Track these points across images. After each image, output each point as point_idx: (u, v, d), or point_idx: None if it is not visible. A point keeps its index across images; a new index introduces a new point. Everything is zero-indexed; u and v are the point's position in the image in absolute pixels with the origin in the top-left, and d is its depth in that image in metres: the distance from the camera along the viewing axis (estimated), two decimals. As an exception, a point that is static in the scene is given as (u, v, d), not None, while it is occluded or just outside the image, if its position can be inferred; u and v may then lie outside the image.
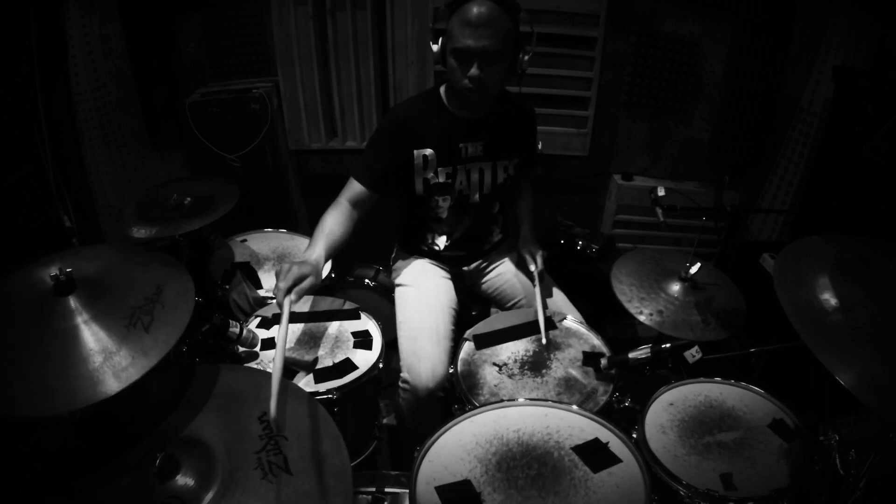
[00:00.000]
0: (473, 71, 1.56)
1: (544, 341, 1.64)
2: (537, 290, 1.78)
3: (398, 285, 1.94)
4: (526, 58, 1.65)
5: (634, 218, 2.88)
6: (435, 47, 1.64)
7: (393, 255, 2.07)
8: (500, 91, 1.71)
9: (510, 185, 1.90)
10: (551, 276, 1.99)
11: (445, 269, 1.98)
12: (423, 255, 1.97)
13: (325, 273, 2.02)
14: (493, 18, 1.53)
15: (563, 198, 2.94)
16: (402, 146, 1.72)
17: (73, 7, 2.44)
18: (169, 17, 2.64)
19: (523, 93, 1.89)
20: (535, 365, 1.59)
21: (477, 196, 1.84)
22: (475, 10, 1.52)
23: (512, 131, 1.83)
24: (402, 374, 1.69)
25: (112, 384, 0.97)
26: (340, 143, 2.82)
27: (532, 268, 1.86)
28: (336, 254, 1.64)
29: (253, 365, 1.55)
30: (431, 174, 1.76)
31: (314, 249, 1.55)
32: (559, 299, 1.89)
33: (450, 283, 1.94)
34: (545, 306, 1.76)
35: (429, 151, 1.73)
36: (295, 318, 1.74)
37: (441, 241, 1.93)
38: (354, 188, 1.74)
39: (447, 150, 1.75)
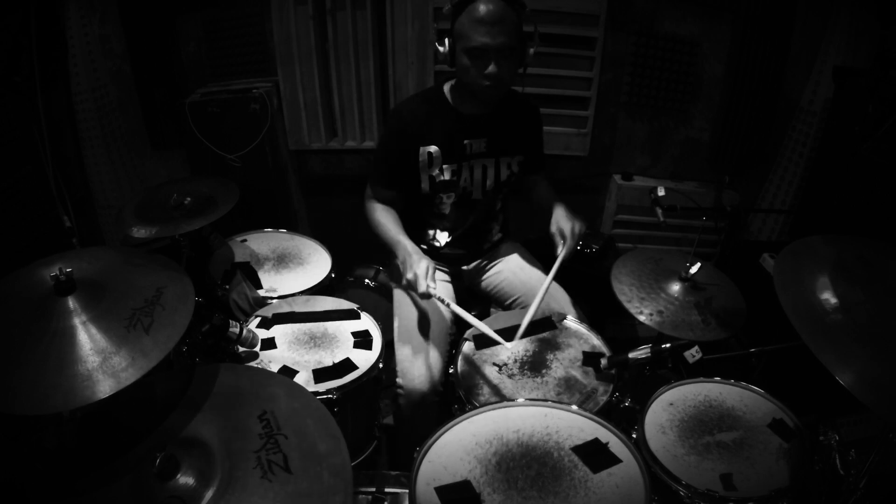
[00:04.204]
0: (492, 68, 1.58)
1: (510, 345, 1.53)
2: (550, 275, 1.65)
3: (396, 287, 1.94)
4: (531, 52, 1.67)
5: (634, 218, 2.89)
6: (442, 49, 1.65)
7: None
8: (509, 85, 1.72)
9: (513, 184, 1.90)
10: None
11: (445, 270, 1.98)
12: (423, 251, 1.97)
13: (325, 273, 2.04)
14: (504, 15, 1.55)
15: (564, 198, 2.92)
16: (408, 144, 1.74)
17: (73, 7, 2.44)
18: (169, 17, 2.64)
19: (525, 92, 1.90)
20: (535, 365, 1.59)
21: (480, 193, 1.84)
22: (487, 9, 1.54)
23: (516, 128, 1.83)
24: (397, 379, 1.69)
25: (111, 384, 0.97)
26: (340, 143, 2.83)
27: (559, 247, 1.68)
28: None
29: (253, 365, 1.56)
30: (437, 171, 1.77)
31: (406, 241, 1.68)
32: (561, 299, 1.89)
33: (448, 287, 1.94)
34: (546, 311, 1.74)
35: (434, 148, 1.75)
36: (295, 318, 1.75)
37: (442, 238, 1.93)
38: (377, 191, 1.83)
39: (452, 146, 1.76)
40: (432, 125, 1.74)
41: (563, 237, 1.69)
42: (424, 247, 1.96)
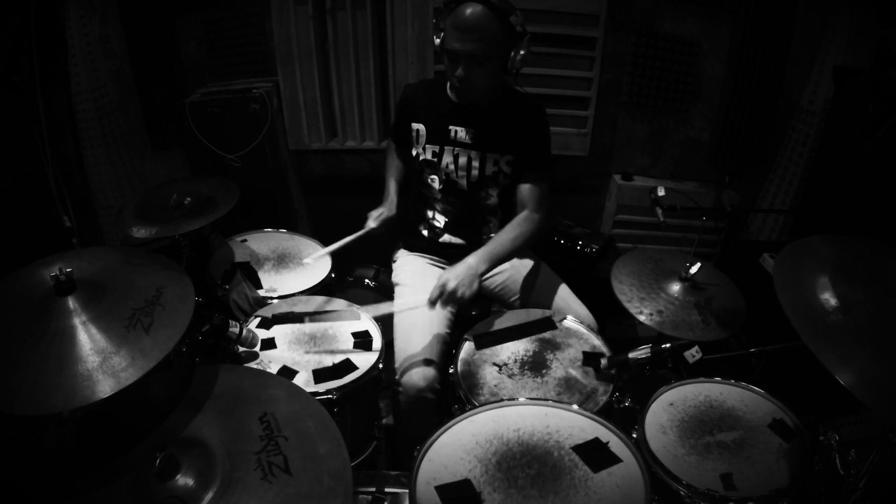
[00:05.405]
0: (459, 72, 1.64)
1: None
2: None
3: (397, 284, 1.96)
4: (519, 56, 1.65)
5: (634, 218, 2.88)
6: (437, 42, 1.69)
7: (396, 253, 2.09)
8: (490, 89, 1.73)
9: (505, 183, 1.89)
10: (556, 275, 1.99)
11: (444, 266, 1.99)
12: (423, 247, 2.01)
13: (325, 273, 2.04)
14: (480, 23, 1.57)
15: (564, 198, 2.94)
16: (405, 117, 1.87)
17: (73, 7, 2.43)
18: (169, 17, 2.64)
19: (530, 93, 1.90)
20: (535, 365, 1.59)
21: (465, 183, 1.86)
22: (464, 14, 1.57)
23: (508, 127, 1.82)
24: (395, 377, 1.70)
25: (111, 384, 0.97)
26: (340, 143, 2.82)
27: (434, 294, 1.55)
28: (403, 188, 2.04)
29: (253, 365, 1.56)
30: (420, 149, 1.86)
31: (390, 193, 2.00)
32: (570, 301, 1.89)
33: None
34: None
35: (420, 126, 1.84)
36: (295, 317, 1.75)
37: (441, 219, 1.96)
38: (390, 142, 2.08)
39: (436, 128, 1.83)
40: (426, 105, 1.85)
41: (441, 289, 1.55)
42: (426, 231, 1.99)
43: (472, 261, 1.63)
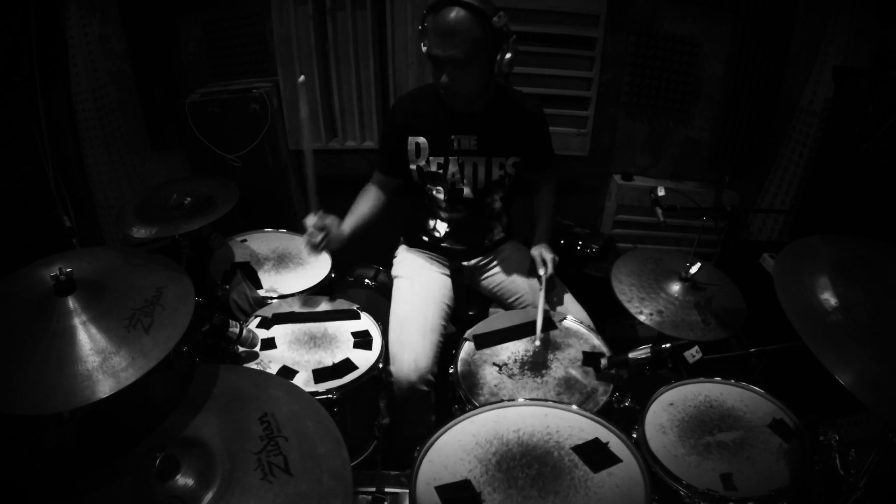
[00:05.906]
0: (444, 78, 1.63)
1: (537, 343, 1.62)
2: (542, 293, 1.75)
3: (395, 277, 1.98)
4: (506, 58, 1.63)
5: (634, 218, 2.88)
6: (423, 48, 1.67)
7: (397, 250, 2.10)
8: (477, 93, 1.73)
9: (510, 186, 1.90)
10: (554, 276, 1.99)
11: (444, 264, 1.99)
12: (424, 246, 2.01)
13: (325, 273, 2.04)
14: (460, 28, 1.54)
15: (563, 198, 2.92)
16: (399, 132, 1.82)
17: (73, 7, 2.44)
18: (169, 17, 2.64)
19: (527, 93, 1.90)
20: (535, 365, 1.59)
21: (469, 190, 1.85)
22: (444, 18, 1.55)
23: (509, 129, 1.83)
24: (388, 367, 1.70)
25: (111, 384, 0.97)
26: (340, 143, 2.82)
27: (541, 272, 1.81)
28: (365, 227, 1.87)
29: (253, 365, 1.56)
30: (423, 162, 1.82)
31: (347, 219, 1.84)
32: (570, 306, 1.89)
33: (446, 279, 1.96)
34: (548, 312, 1.74)
35: (421, 139, 1.80)
36: (295, 317, 1.75)
37: (442, 228, 1.96)
38: (375, 173, 1.95)
39: (438, 140, 1.80)
40: (423, 117, 1.80)
41: (543, 262, 1.83)
42: (426, 238, 1.99)
43: (541, 238, 1.94)
